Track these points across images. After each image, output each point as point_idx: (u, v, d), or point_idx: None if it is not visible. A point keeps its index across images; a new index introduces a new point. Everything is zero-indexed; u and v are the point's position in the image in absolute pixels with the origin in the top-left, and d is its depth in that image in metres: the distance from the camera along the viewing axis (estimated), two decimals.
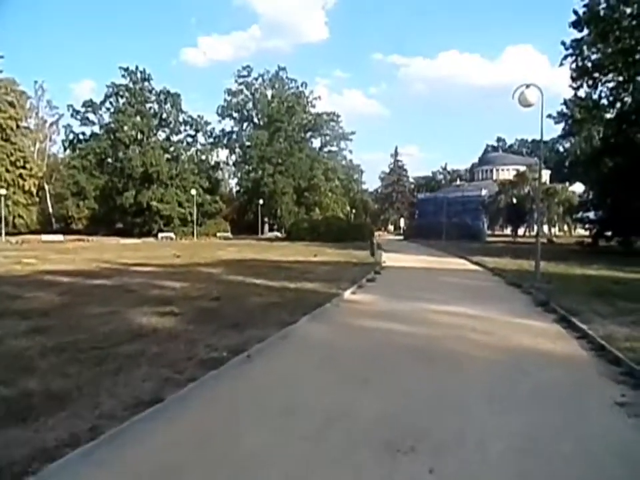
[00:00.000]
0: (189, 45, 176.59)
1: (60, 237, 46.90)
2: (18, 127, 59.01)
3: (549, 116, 33.23)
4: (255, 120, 69.53)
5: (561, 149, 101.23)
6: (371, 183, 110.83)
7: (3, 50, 63.00)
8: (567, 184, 54.50)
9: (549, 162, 77.17)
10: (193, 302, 8.77)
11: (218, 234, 58.63)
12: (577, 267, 16.70)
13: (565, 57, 30.07)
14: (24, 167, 58.37)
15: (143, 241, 46.29)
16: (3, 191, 49.02)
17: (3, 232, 46.61)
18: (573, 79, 33.90)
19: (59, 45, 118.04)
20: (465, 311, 8.44)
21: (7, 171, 56.30)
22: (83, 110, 59.60)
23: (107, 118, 61.22)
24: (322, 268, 15.94)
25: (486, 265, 18.53)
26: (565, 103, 35.15)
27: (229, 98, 66.96)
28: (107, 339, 5.97)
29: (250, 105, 68.28)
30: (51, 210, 71.52)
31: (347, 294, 10.28)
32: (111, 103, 61.10)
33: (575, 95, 34.17)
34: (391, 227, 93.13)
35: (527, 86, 12.81)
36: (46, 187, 69.58)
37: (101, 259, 19.40)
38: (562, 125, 35.92)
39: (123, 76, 60.45)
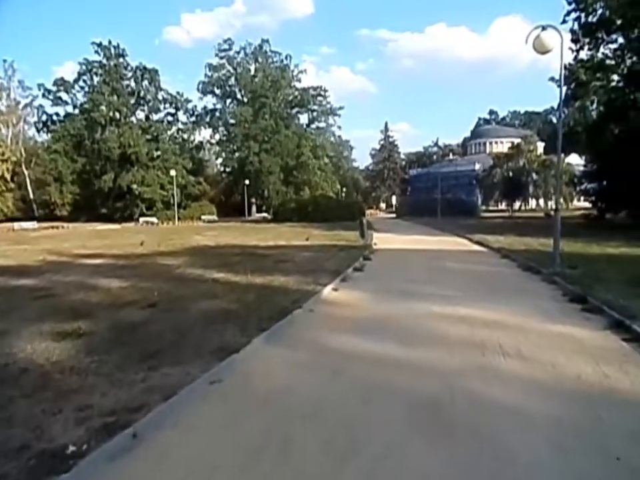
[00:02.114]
0: (172, 23, 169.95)
1: (34, 225, 44.31)
2: None
3: (552, 79, 30.93)
4: (239, 96, 66.24)
5: (554, 120, 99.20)
6: (362, 160, 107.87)
7: None
8: (563, 155, 52.59)
9: (542, 134, 74.80)
10: (117, 312, 6.55)
11: (203, 217, 56.14)
12: (594, 245, 14.66)
13: (568, 13, 27.70)
14: None
15: (122, 227, 43.83)
16: None
17: None
18: (574, 41, 31.85)
19: (38, 27, 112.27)
20: (480, 313, 6.31)
21: None
22: (54, 89, 56.02)
23: (81, 97, 57.94)
24: (302, 254, 13.75)
25: (490, 244, 16.44)
26: (565, 67, 32.80)
27: (209, 73, 63.55)
28: None
29: (232, 80, 64.87)
30: (32, 196, 68.03)
31: (327, 291, 8.11)
32: (84, 81, 57.61)
33: (575, 57, 32.25)
34: (382, 205, 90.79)
35: (544, 28, 10.51)
36: (25, 172, 66.26)
37: (55, 250, 17.07)
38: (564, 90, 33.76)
39: (97, 52, 56.85)
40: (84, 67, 56.64)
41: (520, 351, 4.68)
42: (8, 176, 59.73)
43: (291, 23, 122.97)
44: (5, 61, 63.64)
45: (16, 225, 43.05)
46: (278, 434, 3.12)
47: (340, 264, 11.34)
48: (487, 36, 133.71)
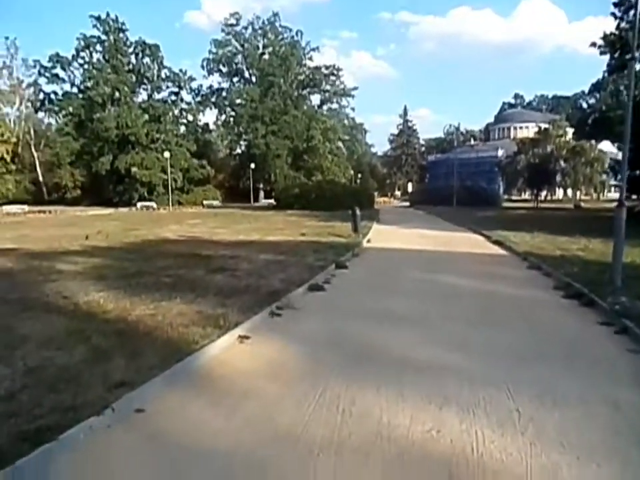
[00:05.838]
0: (193, 7, 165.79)
1: (22, 208, 41.91)
2: None
3: (593, 44, 26.58)
4: (246, 74, 62.45)
5: (585, 105, 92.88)
6: (381, 146, 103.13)
7: None
8: (594, 142, 47.89)
9: (571, 119, 69.34)
10: None
11: (205, 202, 53.11)
12: None
13: None
14: None
15: (114, 212, 40.99)
16: None
17: None
18: (617, 4, 27.81)
19: (56, 9, 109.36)
20: (494, 446, 2.79)
21: None
22: (49, 65, 53.04)
23: (79, 75, 54.94)
24: (259, 258, 10.26)
25: (512, 246, 12.73)
26: (605, 36, 28.42)
27: (215, 50, 59.69)
28: None
29: (239, 57, 61.04)
30: (41, 179, 65.62)
31: (225, 343, 4.63)
32: (82, 58, 54.55)
33: (618, 25, 28.24)
34: (398, 193, 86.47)
35: None
36: (35, 154, 64.05)
37: None
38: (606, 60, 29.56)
39: (95, 26, 53.56)
40: (82, 43, 53.47)
41: None
42: (8, 157, 57.23)
43: (311, 6, 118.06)
44: (7, 38, 60.98)
45: (5, 208, 40.78)
46: None
47: (295, 277, 7.86)
48: (513, 19, 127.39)
